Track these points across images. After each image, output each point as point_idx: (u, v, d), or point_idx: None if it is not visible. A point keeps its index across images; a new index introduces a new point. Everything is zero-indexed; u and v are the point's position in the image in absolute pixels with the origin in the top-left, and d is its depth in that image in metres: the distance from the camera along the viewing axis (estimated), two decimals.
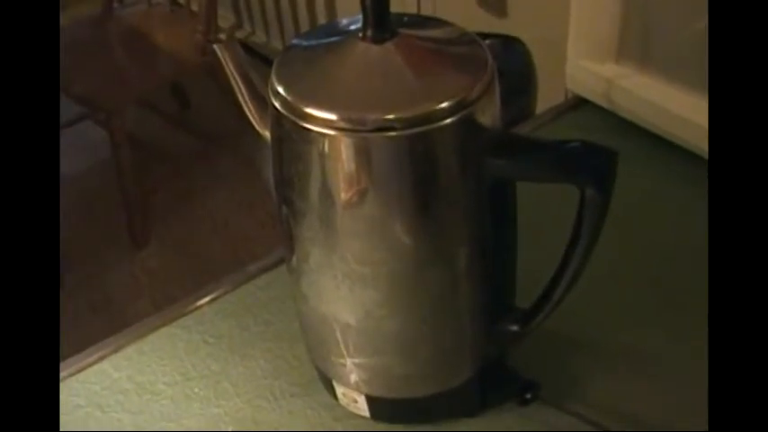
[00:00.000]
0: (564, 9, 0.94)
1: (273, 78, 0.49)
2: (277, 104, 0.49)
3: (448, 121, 0.47)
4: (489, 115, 0.49)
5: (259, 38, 2.65)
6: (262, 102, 0.53)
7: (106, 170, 2.18)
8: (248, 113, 0.56)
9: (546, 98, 1.13)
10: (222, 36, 0.66)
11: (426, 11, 1.86)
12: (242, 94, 0.55)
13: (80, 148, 2.39)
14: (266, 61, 2.58)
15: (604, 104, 0.90)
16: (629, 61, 0.87)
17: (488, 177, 0.49)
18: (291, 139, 0.48)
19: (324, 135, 0.46)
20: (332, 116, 0.46)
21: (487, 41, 1.25)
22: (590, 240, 0.50)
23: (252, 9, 2.64)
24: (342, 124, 0.46)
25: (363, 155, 0.47)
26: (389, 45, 0.48)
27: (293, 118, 0.47)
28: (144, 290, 2.03)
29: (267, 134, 0.53)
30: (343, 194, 0.48)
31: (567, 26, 0.94)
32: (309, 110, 0.46)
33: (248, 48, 2.63)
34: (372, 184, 0.48)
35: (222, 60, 0.55)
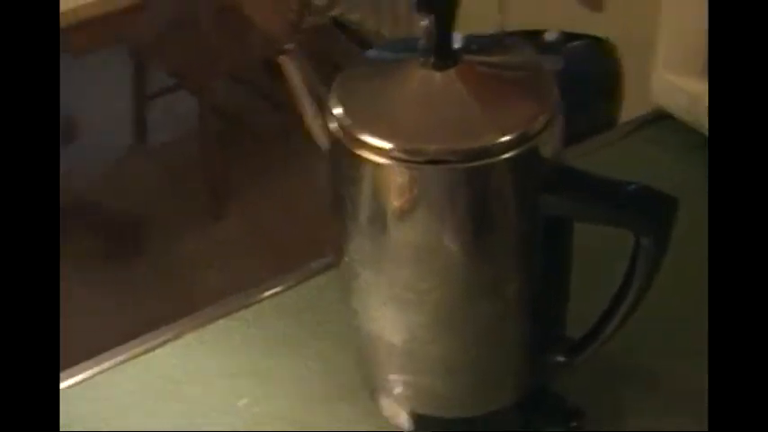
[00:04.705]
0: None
1: (332, 99, 0.49)
2: (333, 127, 0.49)
3: (506, 155, 0.46)
4: (549, 149, 0.48)
5: (354, 17, 2.64)
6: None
7: (192, 140, 2.23)
8: (310, 127, 0.56)
9: (632, 105, 1.10)
10: (289, 46, 0.65)
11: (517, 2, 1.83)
12: (305, 108, 0.55)
13: (168, 117, 2.45)
14: (361, 43, 2.59)
15: (689, 120, 0.87)
16: None
17: (543, 213, 0.48)
18: (346, 162, 0.48)
19: (377, 164, 0.46)
20: (386, 145, 0.46)
21: (576, 42, 1.22)
22: (641, 288, 0.49)
23: None
24: (396, 154, 0.46)
25: (416, 186, 0.47)
26: (451, 72, 0.48)
27: (348, 143, 0.47)
28: (215, 261, 2.08)
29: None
30: (394, 223, 0.48)
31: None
32: (364, 137, 0.46)
33: (342, 27, 2.63)
34: (424, 214, 0.47)
35: (287, 73, 0.56)
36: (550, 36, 1.13)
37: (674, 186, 0.53)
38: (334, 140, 0.49)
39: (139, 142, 2.43)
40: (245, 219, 2.18)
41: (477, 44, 0.52)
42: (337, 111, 0.48)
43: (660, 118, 0.92)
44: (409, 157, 0.46)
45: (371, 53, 0.53)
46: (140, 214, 2.20)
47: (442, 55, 0.48)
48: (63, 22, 1.57)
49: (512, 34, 1.19)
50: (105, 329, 1.93)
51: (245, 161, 2.33)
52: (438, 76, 0.48)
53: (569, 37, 1.14)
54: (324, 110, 0.55)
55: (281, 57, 0.55)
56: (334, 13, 2.70)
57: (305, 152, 2.36)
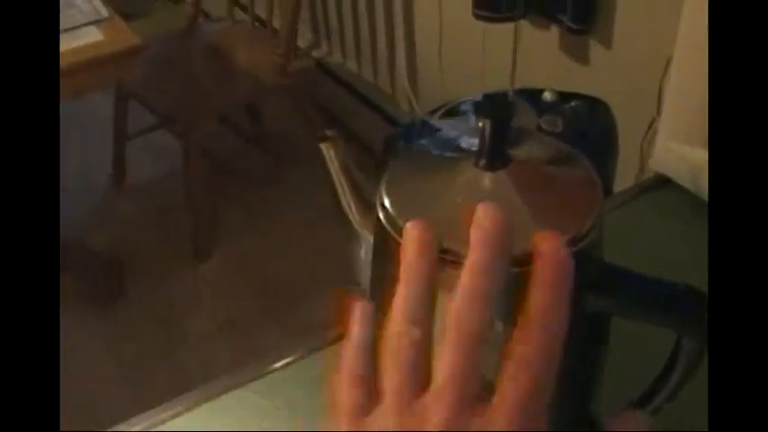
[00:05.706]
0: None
1: (382, 189, 0.50)
2: (381, 216, 0.49)
3: None
4: (594, 250, 0.49)
5: (335, 59, 2.67)
6: (363, 201, 0.54)
7: (175, 179, 2.22)
8: (347, 210, 0.56)
9: (628, 169, 1.12)
10: (330, 133, 0.66)
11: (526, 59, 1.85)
12: (344, 192, 0.56)
13: (151, 155, 2.44)
14: (340, 82, 2.60)
15: (691, 188, 0.89)
16: None
17: (586, 311, 0.49)
18: (391, 252, 0.48)
19: None
20: None
21: (573, 103, 1.23)
22: (679, 381, 0.49)
23: (330, 28, 2.66)
24: (442, 255, 0.46)
25: None
26: (502, 173, 0.48)
27: (395, 236, 0.47)
28: (204, 302, 2.06)
29: (365, 231, 0.54)
30: (438, 316, 0.48)
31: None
32: None
33: (323, 68, 2.65)
34: None
35: (327, 157, 0.56)
36: (548, 96, 1.15)
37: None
38: (381, 229, 0.49)
39: (119, 182, 2.42)
40: (231, 259, 2.17)
41: (525, 141, 0.52)
42: (387, 200, 0.48)
43: (662, 184, 0.93)
44: (458, 258, 0.46)
45: (422, 144, 0.53)
46: (123, 255, 2.18)
47: (495, 157, 0.48)
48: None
49: (516, 92, 1.20)
50: (91, 371, 1.91)
51: (229, 202, 2.33)
52: (489, 176, 0.48)
53: (566, 97, 1.16)
54: (359, 196, 0.55)
55: (323, 143, 0.56)
56: (317, 53, 2.72)
57: (288, 194, 2.38)
